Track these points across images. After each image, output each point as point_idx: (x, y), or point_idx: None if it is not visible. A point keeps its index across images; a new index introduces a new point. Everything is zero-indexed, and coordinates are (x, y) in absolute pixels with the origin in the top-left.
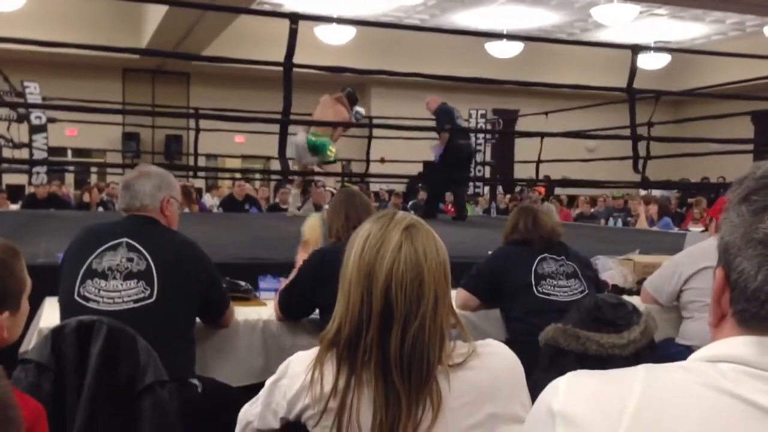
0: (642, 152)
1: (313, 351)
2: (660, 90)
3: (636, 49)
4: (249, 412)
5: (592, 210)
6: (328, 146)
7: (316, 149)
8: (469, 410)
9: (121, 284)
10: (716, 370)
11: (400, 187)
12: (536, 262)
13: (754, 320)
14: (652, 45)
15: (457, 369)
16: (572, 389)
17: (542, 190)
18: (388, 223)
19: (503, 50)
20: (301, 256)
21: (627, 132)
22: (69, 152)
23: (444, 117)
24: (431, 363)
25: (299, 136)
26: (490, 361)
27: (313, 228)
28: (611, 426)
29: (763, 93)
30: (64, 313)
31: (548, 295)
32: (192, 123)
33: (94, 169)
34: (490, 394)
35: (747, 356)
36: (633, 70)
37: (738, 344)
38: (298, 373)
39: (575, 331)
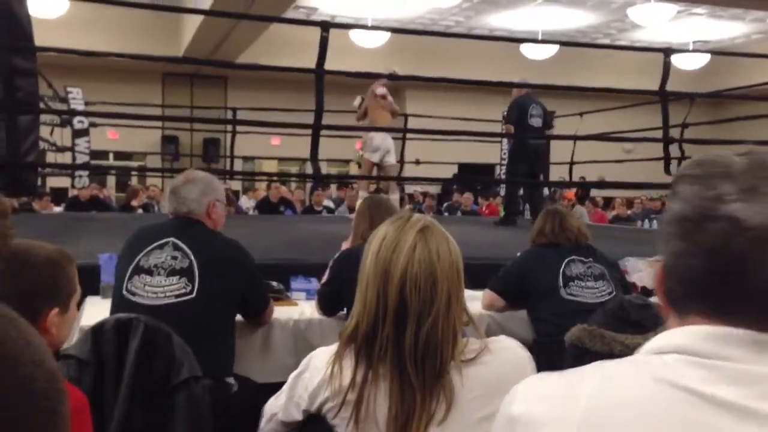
0: (677, 153)
1: (334, 346)
2: (694, 92)
3: (668, 52)
4: (274, 404)
5: (629, 212)
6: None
7: None
8: (481, 403)
9: (165, 280)
10: (662, 362)
11: (434, 189)
12: (564, 264)
13: (675, 299)
14: (690, 44)
15: (470, 364)
16: (529, 392)
17: (571, 195)
18: (403, 225)
19: (538, 52)
20: (350, 238)
21: (659, 134)
22: (110, 155)
23: (512, 111)
24: (444, 358)
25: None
26: (500, 357)
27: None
28: (566, 423)
29: None
30: (113, 307)
31: (575, 296)
32: (229, 126)
33: (134, 171)
34: (500, 389)
35: (688, 345)
36: (666, 73)
37: (681, 334)
38: (319, 368)
39: (600, 332)
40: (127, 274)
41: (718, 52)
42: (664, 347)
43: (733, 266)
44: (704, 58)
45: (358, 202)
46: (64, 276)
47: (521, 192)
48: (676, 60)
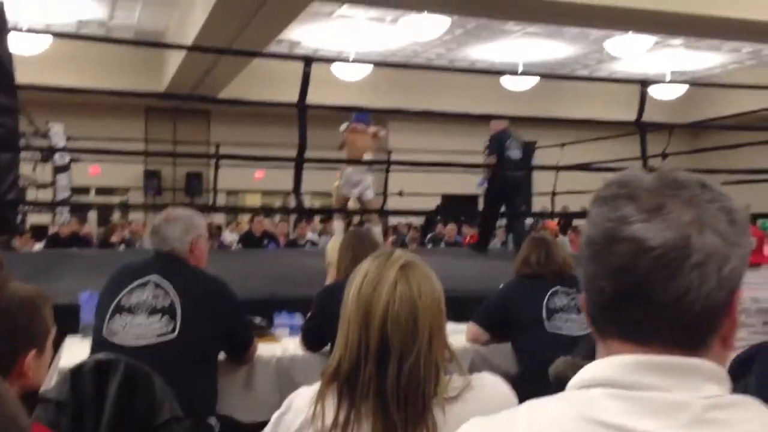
0: None
1: (316, 386)
2: (671, 123)
3: (645, 83)
4: None
5: None
6: None
7: None
8: None
9: (146, 319)
10: (588, 398)
11: (418, 221)
12: (547, 296)
13: (593, 322)
14: (668, 75)
15: (453, 402)
16: None
17: (554, 225)
18: (385, 262)
19: (519, 84)
20: (329, 279)
21: (640, 164)
22: (92, 190)
23: (493, 145)
24: (427, 396)
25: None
26: (483, 394)
27: (334, 249)
28: None
29: None
30: (93, 348)
31: (560, 329)
32: (213, 159)
33: (115, 207)
34: None
35: (611, 377)
36: (642, 104)
37: (604, 366)
38: (301, 408)
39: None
40: (108, 314)
41: (695, 83)
42: (590, 381)
43: (640, 287)
44: (682, 89)
45: (333, 237)
46: (41, 317)
47: (502, 223)
48: (655, 90)
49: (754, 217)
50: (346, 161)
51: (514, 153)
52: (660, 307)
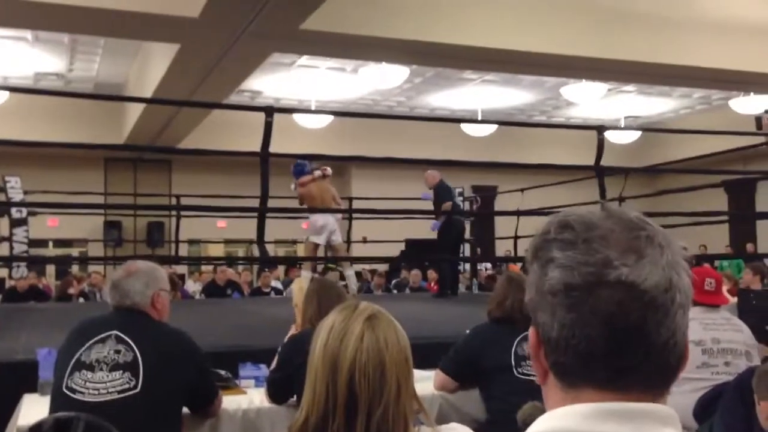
0: None
1: None
2: (628, 167)
3: (601, 129)
4: None
5: None
6: None
7: None
8: None
9: (107, 375)
10: None
11: (382, 267)
12: (516, 342)
13: (567, 372)
14: (622, 120)
15: None
16: None
17: (517, 269)
18: (351, 314)
19: (479, 130)
20: (295, 324)
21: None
22: (50, 243)
23: (444, 193)
24: None
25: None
26: None
27: (300, 290)
28: None
29: (733, 163)
30: (53, 405)
31: (528, 375)
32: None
33: (74, 260)
34: None
35: (568, 427)
36: (600, 149)
37: (561, 415)
38: None
39: None
40: (68, 370)
41: (647, 129)
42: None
43: (633, 333)
44: (637, 133)
45: (302, 284)
46: None
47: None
48: (611, 135)
49: (711, 258)
50: (310, 211)
51: (457, 200)
52: (653, 351)
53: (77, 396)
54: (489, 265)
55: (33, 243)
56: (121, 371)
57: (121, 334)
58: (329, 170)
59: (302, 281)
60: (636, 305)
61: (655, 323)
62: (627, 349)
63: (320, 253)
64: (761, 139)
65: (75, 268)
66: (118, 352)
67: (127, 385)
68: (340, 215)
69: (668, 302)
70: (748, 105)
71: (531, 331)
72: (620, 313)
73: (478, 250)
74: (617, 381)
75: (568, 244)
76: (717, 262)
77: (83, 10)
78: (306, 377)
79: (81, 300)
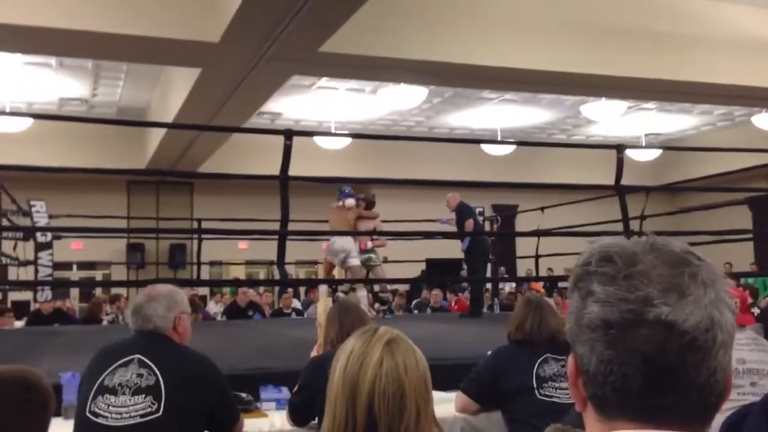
0: None
1: None
2: (648, 186)
3: (620, 148)
4: None
5: None
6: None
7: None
8: None
9: (130, 399)
10: None
11: (403, 287)
12: (537, 364)
13: (604, 405)
14: (643, 137)
15: None
16: None
17: (539, 287)
18: (370, 339)
19: (498, 149)
20: (317, 344)
21: (620, 225)
22: (74, 266)
23: (467, 212)
24: None
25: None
26: None
27: (325, 311)
28: None
29: (756, 180)
30: (76, 429)
31: (550, 397)
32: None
33: (98, 278)
34: None
35: None
36: (620, 169)
37: None
38: None
39: (575, 431)
40: (91, 394)
41: (667, 147)
42: None
43: (671, 373)
44: (657, 151)
45: (327, 303)
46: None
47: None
48: (631, 152)
49: (737, 276)
50: (328, 233)
51: (479, 219)
52: (691, 390)
53: (100, 420)
54: (513, 284)
55: (57, 266)
56: (143, 395)
57: (144, 358)
58: (349, 202)
59: (327, 301)
60: (675, 345)
61: (694, 363)
62: (665, 388)
63: (341, 274)
64: None
65: (98, 291)
66: (140, 376)
67: (149, 409)
68: (357, 240)
69: (709, 342)
70: None
71: (570, 360)
72: (659, 353)
73: (504, 269)
74: (654, 417)
75: (608, 278)
76: (742, 280)
77: (107, 37)
78: (326, 402)
79: (106, 323)
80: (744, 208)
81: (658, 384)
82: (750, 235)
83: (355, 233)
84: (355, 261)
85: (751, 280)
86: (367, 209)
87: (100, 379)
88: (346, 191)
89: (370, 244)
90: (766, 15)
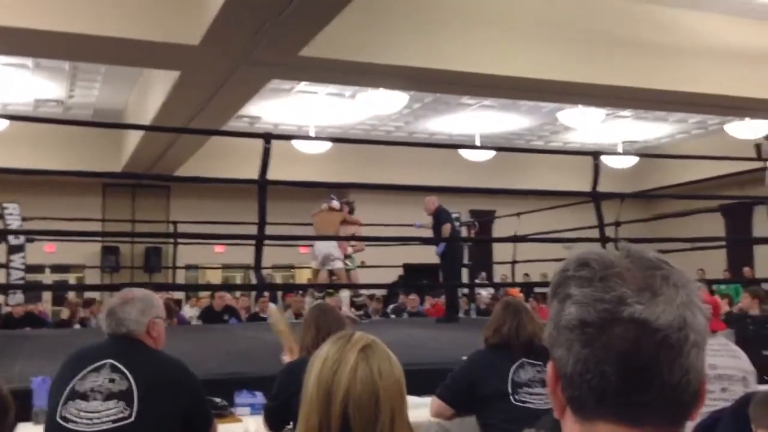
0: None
1: None
2: (623, 193)
3: (597, 155)
4: None
5: None
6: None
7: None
8: None
9: (101, 405)
10: None
11: (380, 291)
12: (513, 369)
13: (582, 406)
14: (620, 144)
15: None
16: None
17: (516, 292)
18: (345, 345)
19: (477, 154)
20: (286, 349)
21: (596, 231)
22: (47, 269)
23: (445, 216)
24: None
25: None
26: None
27: (278, 319)
28: None
29: (729, 188)
30: None
31: (524, 403)
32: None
33: (72, 282)
34: None
35: None
36: (596, 175)
37: None
38: None
39: None
40: (62, 399)
41: (643, 155)
42: None
43: (646, 371)
44: (633, 158)
45: (273, 311)
46: None
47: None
48: (608, 159)
49: (709, 283)
50: (305, 237)
51: (455, 224)
52: (665, 389)
53: (70, 425)
54: (491, 290)
55: (30, 268)
56: (115, 400)
57: (116, 363)
58: (335, 203)
59: (275, 309)
60: (649, 343)
61: (668, 362)
62: (639, 386)
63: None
64: (758, 164)
65: (71, 295)
66: (112, 381)
67: (121, 415)
68: (338, 244)
69: (681, 340)
70: (743, 130)
71: (549, 366)
72: (633, 351)
73: (483, 274)
74: (631, 416)
75: (585, 281)
76: (715, 287)
77: (85, 38)
78: (300, 408)
79: (78, 326)
80: (717, 215)
81: (634, 382)
82: (723, 243)
83: (335, 238)
84: (339, 264)
85: (723, 287)
86: (350, 215)
87: (71, 384)
88: (333, 199)
89: (350, 250)
90: (740, 25)
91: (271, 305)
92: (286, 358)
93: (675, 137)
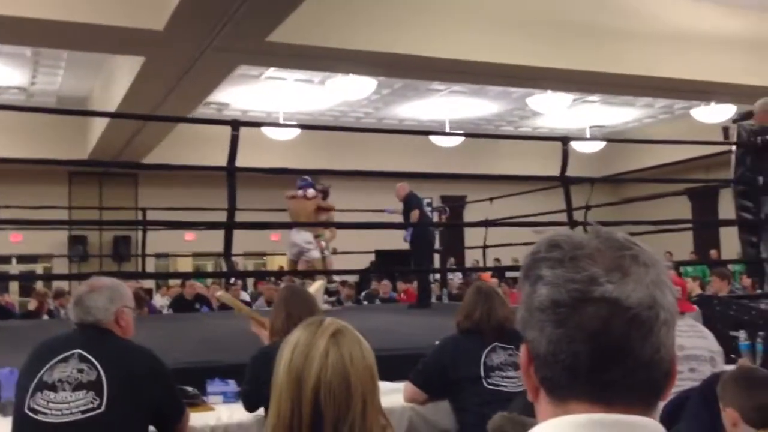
0: None
1: None
2: (593, 177)
3: (565, 140)
4: None
5: None
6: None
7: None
8: None
9: (70, 395)
10: None
11: (352, 278)
12: (485, 353)
13: (555, 387)
14: (588, 129)
15: None
16: None
17: (487, 277)
18: (315, 331)
19: (447, 140)
20: (253, 323)
21: (565, 215)
22: (13, 259)
23: (416, 201)
24: None
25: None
26: None
27: (228, 297)
28: None
29: (696, 171)
30: (15, 427)
31: (497, 386)
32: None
33: (39, 272)
34: None
35: None
36: (565, 160)
37: (557, 426)
38: None
39: (521, 419)
40: (30, 391)
41: (611, 139)
42: None
43: (618, 349)
44: (601, 143)
45: (223, 294)
46: None
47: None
48: (576, 144)
49: (676, 265)
50: (275, 224)
51: (426, 210)
52: (637, 366)
53: (39, 417)
54: (460, 274)
55: None
56: (84, 391)
57: (84, 353)
58: (310, 192)
59: (221, 293)
60: (620, 321)
61: (639, 339)
62: (611, 365)
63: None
64: (723, 148)
65: (39, 285)
66: (81, 371)
67: (90, 405)
68: (312, 233)
69: (652, 318)
70: (709, 114)
71: (522, 349)
72: (604, 329)
73: (453, 260)
74: (604, 394)
75: (556, 262)
76: (682, 269)
77: (46, 23)
78: (271, 395)
79: (46, 317)
80: (684, 198)
81: (606, 360)
82: (689, 225)
83: (310, 224)
84: (315, 253)
85: (691, 269)
86: (323, 200)
87: (39, 375)
88: (307, 180)
89: (323, 244)
90: (705, 10)
91: (218, 292)
92: (264, 340)
93: (642, 122)
